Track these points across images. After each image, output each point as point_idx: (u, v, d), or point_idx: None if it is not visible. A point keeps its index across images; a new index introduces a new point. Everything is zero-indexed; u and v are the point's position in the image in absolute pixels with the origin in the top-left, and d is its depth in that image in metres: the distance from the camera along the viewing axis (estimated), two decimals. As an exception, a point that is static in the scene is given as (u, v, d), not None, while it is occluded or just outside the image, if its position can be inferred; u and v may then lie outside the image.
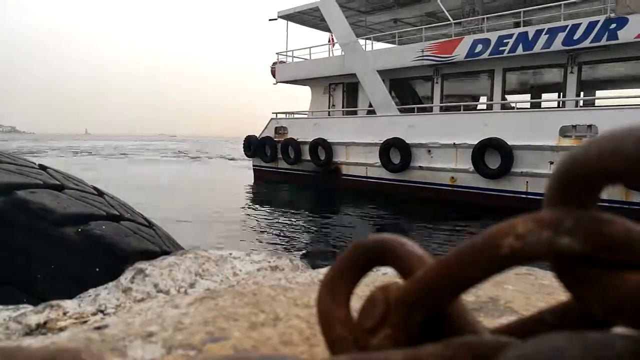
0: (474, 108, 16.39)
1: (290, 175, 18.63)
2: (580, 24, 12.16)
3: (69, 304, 0.81)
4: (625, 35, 11.44)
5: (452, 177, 13.99)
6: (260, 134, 20.31)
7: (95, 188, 1.78)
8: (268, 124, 20.21)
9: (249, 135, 20.85)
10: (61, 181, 1.65)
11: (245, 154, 21.00)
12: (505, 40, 13.53)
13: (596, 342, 0.22)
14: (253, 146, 20.19)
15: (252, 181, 20.07)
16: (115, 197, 1.82)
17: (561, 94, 13.93)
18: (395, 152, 15.05)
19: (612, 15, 11.63)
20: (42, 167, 1.73)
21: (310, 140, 17.59)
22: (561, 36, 12.45)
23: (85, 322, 0.77)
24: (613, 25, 11.59)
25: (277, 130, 19.63)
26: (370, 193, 15.31)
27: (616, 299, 0.25)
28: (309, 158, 17.70)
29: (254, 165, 20.91)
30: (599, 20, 11.85)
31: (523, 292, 0.83)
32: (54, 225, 1.40)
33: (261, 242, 9.34)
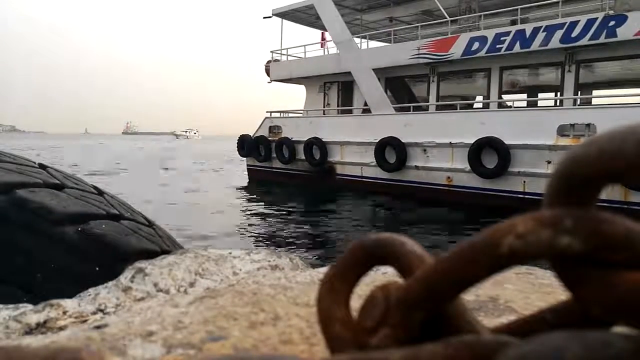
0: (471, 107, 16.32)
1: (284, 175, 18.48)
2: (579, 21, 12.05)
3: (69, 303, 0.81)
4: (624, 32, 11.34)
5: (449, 177, 13.89)
6: (254, 133, 20.14)
7: (95, 187, 1.78)
8: (262, 123, 20.04)
9: (242, 135, 20.69)
10: (61, 180, 1.64)
11: (238, 153, 20.85)
12: (502, 38, 13.44)
13: (596, 342, 0.23)
14: (247, 146, 20.03)
15: (247, 181, 19.87)
16: (115, 196, 1.82)
17: (558, 92, 13.88)
18: (391, 151, 14.94)
19: (611, 12, 11.53)
20: (42, 166, 1.73)
21: (305, 139, 17.47)
22: (559, 34, 12.35)
23: (85, 321, 0.77)
24: (612, 23, 11.49)
25: (271, 129, 19.49)
26: (366, 193, 15.21)
27: (616, 299, 0.25)
28: (303, 157, 17.57)
29: (247, 165, 20.72)
30: (597, 18, 11.74)
31: (523, 291, 0.84)
32: (53, 225, 1.40)
33: (261, 241, 9.32)
